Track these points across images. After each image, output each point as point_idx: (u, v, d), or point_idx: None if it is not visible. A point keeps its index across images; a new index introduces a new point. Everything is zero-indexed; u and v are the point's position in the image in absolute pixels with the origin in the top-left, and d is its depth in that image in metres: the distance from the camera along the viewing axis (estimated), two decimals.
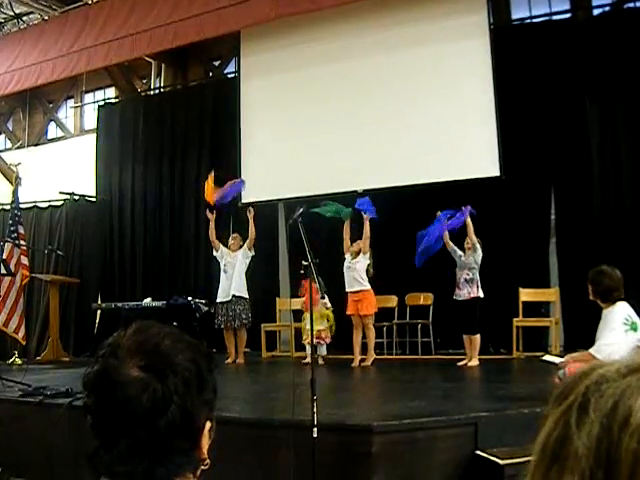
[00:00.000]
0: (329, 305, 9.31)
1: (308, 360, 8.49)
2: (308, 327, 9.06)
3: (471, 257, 8.78)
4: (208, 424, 1.26)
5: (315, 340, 8.22)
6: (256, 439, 5.13)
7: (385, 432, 4.77)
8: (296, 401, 4.79)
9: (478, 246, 8.74)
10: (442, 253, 8.99)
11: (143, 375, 1.19)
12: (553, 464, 0.74)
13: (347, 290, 9.28)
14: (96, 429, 1.21)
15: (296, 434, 4.69)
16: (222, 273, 10.18)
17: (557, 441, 0.74)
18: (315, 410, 4.47)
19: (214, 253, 10.41)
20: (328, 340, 9.60)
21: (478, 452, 4.82)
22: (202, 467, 1.27)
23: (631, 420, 0.69)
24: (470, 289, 8.72)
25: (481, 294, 8.73)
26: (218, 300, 10.11)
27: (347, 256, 9.35)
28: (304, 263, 5.10)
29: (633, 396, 0.71)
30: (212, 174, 10.38)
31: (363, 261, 9.21)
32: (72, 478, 4.58)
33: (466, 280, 8.74)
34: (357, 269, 9.19)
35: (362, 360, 9.19)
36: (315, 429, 4.44)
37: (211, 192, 10.19)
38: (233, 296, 9.98)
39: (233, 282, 10.03)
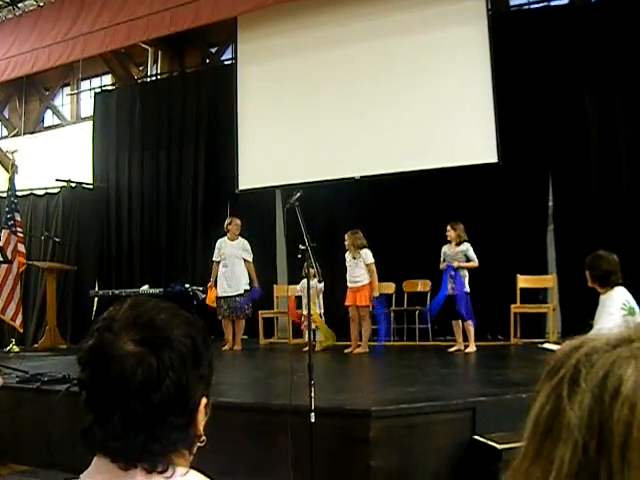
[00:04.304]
0: (321, 286, 9.31)
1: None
2: (304, 311, 9.12)
3: (456, 249, 8.77)
4: (204, 400, 1.25)
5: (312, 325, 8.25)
6: (254, 424, 5.14)
7: (383, 417, 4.78)
8: (294, 386, 4.79)
9: (469, 245, 8.76)
10: (440, 239, 9.00)
11: (138, 349, 1.17)
12: (546, 437, 0.74)
13: (348, 284, 9.29)
14: (90, 404, 1.19)
15: (294, 419, 4.69)
16: (221, 267, 10.14)
17: (550, 414, 0.75)
18: (313, 395, 4.48)
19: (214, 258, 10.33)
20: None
21: (476, 437, 4.84)
22: (198, 444, 1.26)
23: (622, 389, 0.70)
24: (454, 285, 8.72)
25: (467, 289, 8.74)
26: (220, 295, 10.06)
27: (348, 254, 9.31)
28: (301, 247, 5.10)
29: (623, 366, 0.72)
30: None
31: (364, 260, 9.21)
32: (71, 463, 4.58)
33: (451, 276, 8.73)
34: (359, 266, 9.18)
35: (357, 346, 9.23)
36: (313, 414, 4.45)
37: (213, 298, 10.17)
38: (242, 291, 10.03)
39: (236, 280, 10.01)
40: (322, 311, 9.64)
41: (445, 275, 8.88)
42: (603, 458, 0.69)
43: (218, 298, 10.05)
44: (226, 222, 10.29)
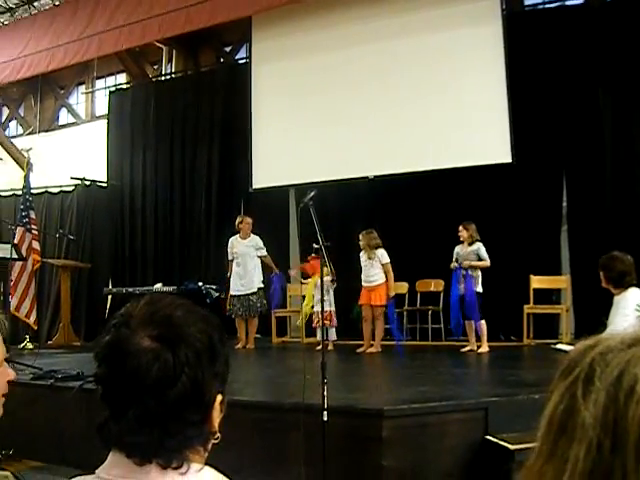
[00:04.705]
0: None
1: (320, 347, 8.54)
2: (317, 309, 9.12)
3: (468, 249, 8.76)
4: (219, 397, 1.25)
5: (325, 322, 8.25)
6: (266, 422, 5.14)
7: (396, 416, 4.77)
8: (306, 385, 4.80)
9: (481, 246, 8.75)
10: (453, 239, 8.98)
11: (154, 345, 1.18)
12: (561, 436, 0.74)
13: (363, 284, 9.30)
14: (106, 399, 1.20)
15: (306, 418, 4.70)
16: (235, 266, 10.16)
17: (564, 413, 0.75)
18: (325, 394, 4.48)
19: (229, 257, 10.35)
20: (335, 323, 9.66)
21: (488, 437, 4.83)
22: (213, 441, 1.27)
23: (637, 388, 0.70)
24: (466, 285, 8.70)
25: (479, 289, 8.72)
26: (233, 293, 10.09)
27: (363, 254, 9.31)
28: (315, 246, 5.11)
29: (638, 365, 0.72)
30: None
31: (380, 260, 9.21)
32: (83, 460, 4.60)
33: (464, 276, 8.72)
34: (374, 266, 9.19)
35: (370, 346, 9.23)
36: (325, 413, 4.45)
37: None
38: (255, 290, 10.06)
39: (249, 278, 10.04)
40: (333, 309, 9.62)
41: (454, 277, 8.87)
42: (617, 457, 0.69)
43: (231, 297, 10.08)
44: (237, 220, 10.31)
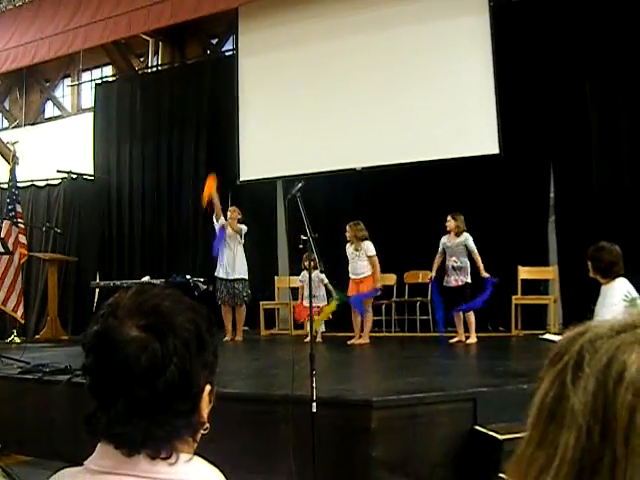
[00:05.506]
0: (326, 280, 9.32)
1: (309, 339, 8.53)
2: (306, 303, 9.11)
3: (456, 240, 8.79)
4: (208, 387, 1.25)
5: (315, 316, 8.26)
6: (255, 414, 5.14)
7: (384, 407, 4.79)
8: (295, 377, 4.80)
9: (468, 235, 8.78)
10: (441, 230, 9.00)
11: (142, 335, 1.18)
12: (550, 423, 0.74)
13: (350, 276, 9.28)
14: (94, 390, 1.20)
15: (295, 409, 4.71)
16: (226, 248, 10.07)
17: (554, 400, 0.75)
18: (314, 385, 4.48)
19: (214, 221, 10.17)
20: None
21: (477, 427, 4.85)
22: (202, 431, 1.27)
23: (625, 375, 0.70)
24: (457, 277, 8.73)
25: (469, 280, 8.75)
26: (219, 275, 10.06)
27: (349, 246, 9.30)
28: (303, 238, 5.11)
29: (627, 351, 0.72)
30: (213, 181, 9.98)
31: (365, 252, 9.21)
32: (73, 453, 4.59)
33: (454, 268, 8.75)
34: (361, 258, 9.19)
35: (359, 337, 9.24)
36: (314, 404, 4.45)
37: (208, 195, 9.89)
38: (240, 277, 10.02)
39: (237, 264, 10.00)
40: (325, 303, 9.62)
41: (434, 290, 8.97)
42: (607, 443, 0.69)
43: (219, 279, 10.03)
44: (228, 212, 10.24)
